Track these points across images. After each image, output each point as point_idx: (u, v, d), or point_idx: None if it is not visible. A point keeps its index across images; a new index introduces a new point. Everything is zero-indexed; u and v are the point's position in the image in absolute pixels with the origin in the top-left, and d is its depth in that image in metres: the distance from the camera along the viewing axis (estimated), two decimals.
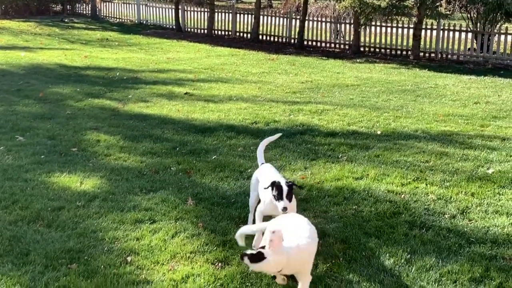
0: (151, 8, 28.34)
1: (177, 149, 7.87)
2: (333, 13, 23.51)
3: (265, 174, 5.13)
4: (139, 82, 13.32)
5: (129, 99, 11.33)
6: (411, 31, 19.57)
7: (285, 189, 4.59)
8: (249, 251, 3.93)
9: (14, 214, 5.59)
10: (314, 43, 22.14)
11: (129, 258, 4.78)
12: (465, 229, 5.38)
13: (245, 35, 23.98)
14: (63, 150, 7.76)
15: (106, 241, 5.09)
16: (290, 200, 4.62)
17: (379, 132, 8.84)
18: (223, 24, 24.89)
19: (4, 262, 4.65)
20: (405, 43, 19.96)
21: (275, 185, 4.65)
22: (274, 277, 4.42)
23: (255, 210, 5.06)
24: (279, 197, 4.59)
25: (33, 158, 7.31)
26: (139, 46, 20.69)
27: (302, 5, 22.23)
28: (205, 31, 24.95)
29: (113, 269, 4.59)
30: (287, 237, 4.04)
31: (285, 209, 4.55)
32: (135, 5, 29.10)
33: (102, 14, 30.93)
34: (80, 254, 4.84)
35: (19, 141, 8.09)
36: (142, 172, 6.89)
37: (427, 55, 19.46)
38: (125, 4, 30.07)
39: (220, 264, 4.69)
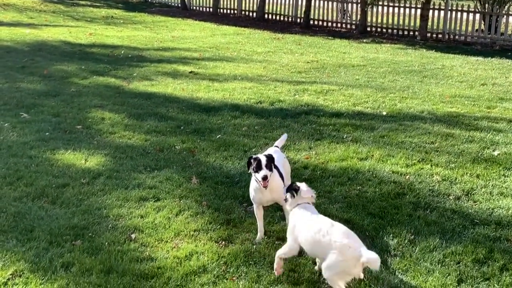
0: None
1: (182, 128, 7.86)
2: None
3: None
4: (143, 60, 13.26)
5: (134, 77, 11.30)
6: (419, 11, 19.36)
7: (263, 159, 4.48)
8: None
9: (19, 190, 5.60)
10: (320, 22, 21.96)
11: (133, 235, 4.79)
12: (470, 211, 5.36)
13: (250, 13, 23.80)
14: (68, 127, 7.76)
15: (111, 218, 5.10)
16: (270, 170, 4.48)
17: (384, 113, 8.79)
18: (228, 2, 24.70)
19: (8, 238, 4.67)
20: (412, 24, 19.77)
21: (252, 158, 4.55)
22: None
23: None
24: (258, 168, 4.46)
25: (38, 135, 7.31)
26: (144, 24, 20.58)
27: None
28: (211, 9, 24.78)
29: (117, 246, 4.61)
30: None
31: (265, 177, 4.40)
32: None
33: None
34: (85, 231, 4.86)
35: (24, 118, 8.09)
36: (147, 151, 6.89)
37: (434, 35, 19.28)
38: None
39: (223, 242, 4.70)
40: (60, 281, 4.11)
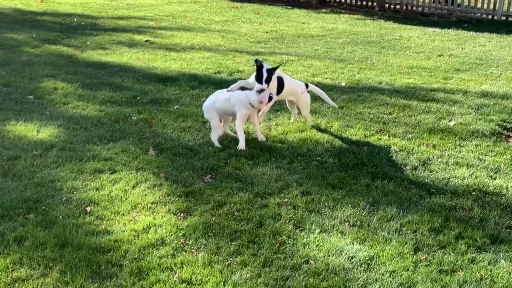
0: None
1: (138, 98, 7.68)
2: None
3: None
4: (97, 29, 12.88)
5: (88, 46, 10.96)
6: None
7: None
8: None
9: None
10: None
11: (88, 208, 4.67)
12: (426, 180, 5.44)
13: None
14: (19, 97, 7.48)
15: (65, 191, 4.95)
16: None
17: (343, 84, 8.80)
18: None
19: None
20: None
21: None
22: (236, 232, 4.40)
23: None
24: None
25: None
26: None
27: None
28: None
29: (72, 219, 4.49)
30: None
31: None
32: None
33: None
34: (38, 204, 4.70)
35: None
36: (101, 121, 6.70)
37: (392, 6, 19.39)
38: None
39: (182, 214, 4.63)
40: (13, 255, 3.98)
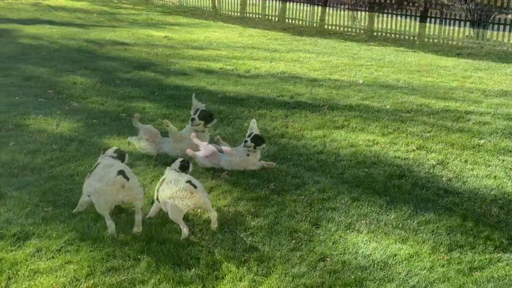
0: None
1: (156, 93, 7.72)
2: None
3: None
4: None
5: (107, 41, 11.02)
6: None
7: None
8: None
9: None
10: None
11: None
12: (443, 179, 5.38)
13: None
14: (39, 92, 7.56)
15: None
16: None
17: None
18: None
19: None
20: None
21: None
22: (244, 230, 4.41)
23: None
24: None
25: (7, 100, 7.10)
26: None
27: None
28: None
29: (90, 213, 4.52)
30: None
31: None
32: None
33: None
34: (57, 197, 4.75)
35: None
36: (120, 116, 6.75)
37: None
38: None
39: (199, 210, 4.63)
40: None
